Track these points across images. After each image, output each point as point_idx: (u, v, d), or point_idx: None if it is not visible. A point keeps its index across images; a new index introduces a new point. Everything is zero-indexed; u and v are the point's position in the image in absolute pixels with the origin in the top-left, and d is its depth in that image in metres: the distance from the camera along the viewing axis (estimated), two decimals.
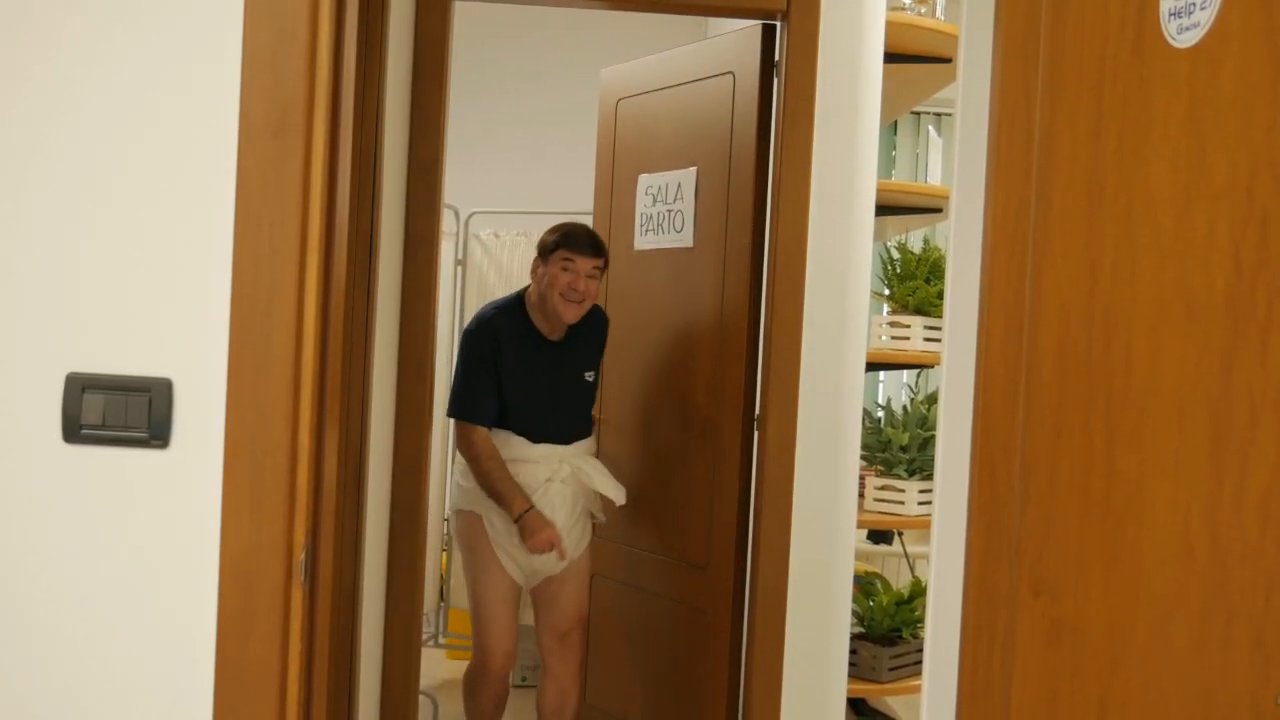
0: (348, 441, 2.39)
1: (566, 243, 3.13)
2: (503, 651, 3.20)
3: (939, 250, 3.48)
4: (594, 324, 3.34)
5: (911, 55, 3.26)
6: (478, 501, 3.17)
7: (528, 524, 3.08)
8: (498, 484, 3.11)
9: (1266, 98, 1.03)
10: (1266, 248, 1.02)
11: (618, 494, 3.25)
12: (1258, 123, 1.04)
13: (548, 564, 3.19)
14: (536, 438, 3.18)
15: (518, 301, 3.28)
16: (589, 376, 3.31)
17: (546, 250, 3.18)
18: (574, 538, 3.25)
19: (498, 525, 3.15)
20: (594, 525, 3.41)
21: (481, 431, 3.14)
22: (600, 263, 3.17)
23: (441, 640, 4.69)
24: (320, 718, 1.49)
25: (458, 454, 3.26)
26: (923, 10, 3.27)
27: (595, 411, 3.47)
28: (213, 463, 1.36)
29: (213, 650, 1.36)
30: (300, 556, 1.38)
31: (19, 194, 1.35)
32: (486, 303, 3.47)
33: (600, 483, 3.24)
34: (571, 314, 3.14)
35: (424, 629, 3.36)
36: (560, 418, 3.23)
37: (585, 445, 3.31)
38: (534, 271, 3.22)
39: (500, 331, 3.19)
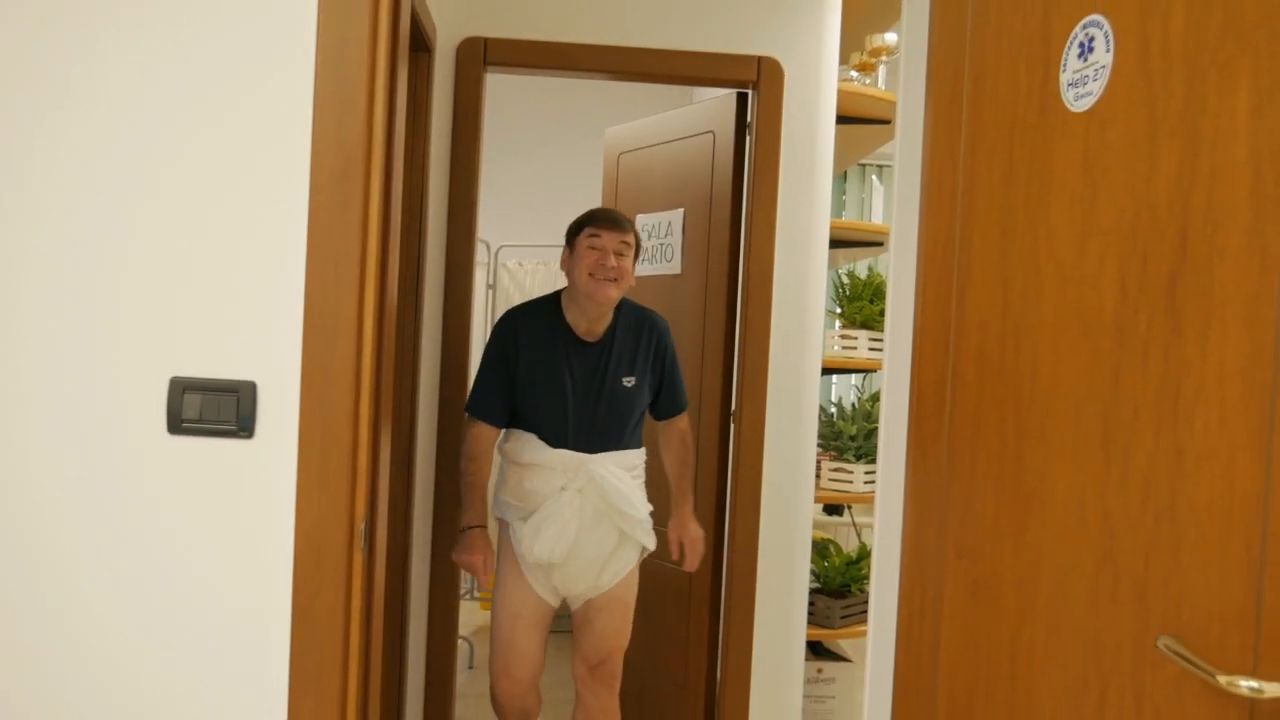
0: (399, 433, 2.39)
1: (590, 220, 2.42)
2: (510, 677, 2.41)
3: (881, 276, 3.48)
4: (643, 328, 2.52)
5: (858, 118, 3.26)
6: (506, 508, 2.48)
7: (462, 540, 2.39)
8: (464, 488, 2.42)
9: (1146, 153, 1.04)
10: (1147, 276, 1.03)
11: (632, 507, 2.40)
12: (1139, 173, 1.05)
13: (575, 583, 2.44)
14: (555, 442, 2.39)
15: (552, 299, 2.49)
16: (628, 382, 2.44)
17: (572, 234, 2.44)
18: (611, 565, 2.45)
19: (520, 534, 2.41)
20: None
21: (480, 428, 2.41)
22: (628, 237, 2.40)
23: (476, 594, 4.69)
24: (377, 656, 1.49)
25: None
26: (867, 81, 3.28)
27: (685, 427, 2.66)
28: (289, 450, 1.36)
29: (289, 602, 1.36)
30: (360, 526, 1.38)
31: (144, 242, 1.35)
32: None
33: (616, 496, 2.37)
34: (602, 293, 2.34)
35: (461, 585, 3.34)
36: (587, 424, 2.40)
37: (616, 457, 2.44)
38: (564, 264, 2.45)
39: (521, 328, 2.43)
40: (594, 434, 2.41)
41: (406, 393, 2.44)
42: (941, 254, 1.47)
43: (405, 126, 1.58)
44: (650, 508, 2.46)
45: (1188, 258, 0.97)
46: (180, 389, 1.35)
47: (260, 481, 1.36)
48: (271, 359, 1.36)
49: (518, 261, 4.88)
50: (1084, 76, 1.14)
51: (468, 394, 2.54)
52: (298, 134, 1.36)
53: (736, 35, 2.79)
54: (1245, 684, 0.83)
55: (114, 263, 1.35)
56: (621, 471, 2.43)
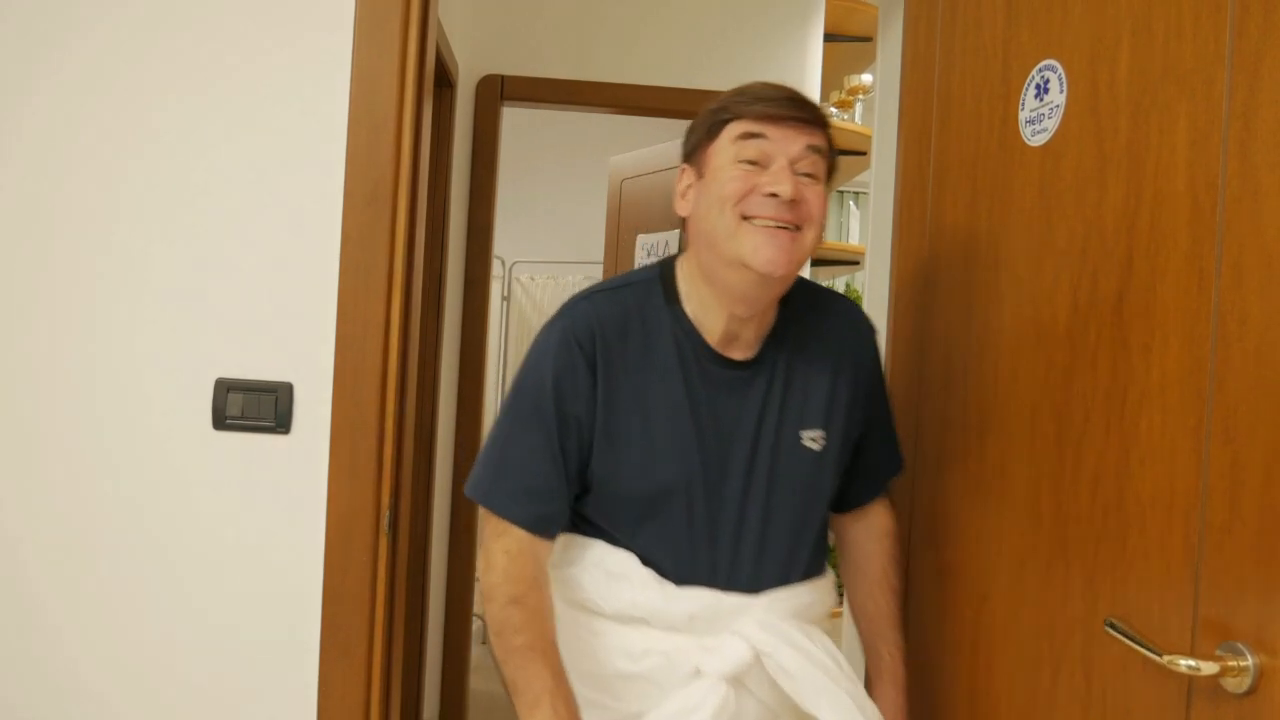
0: (421, 429, 2.39)
1: (745, 101, 1.05)
2: None
3: (858, 292, 3.49)
4: (839, 331, 1.18)
5: (837, 149, 3.26)
6: (581, 704, 1.06)
7: None
8: (513, 669, 1.02)
9: (1095, 183, 1.04)
10: (1095, 292, 1.03)
11: (842, 707, 1.03)
12: (1089, 201, 1.05)
13: None
14: (680, 574, 1.07)
15: (652, 278, 1.13)
16: (813, 441, 1.11)
17: (702, 135, 1.09)
18: None
19: None
20: None
21: (515, 541, 1.06)
22: (818, 138, 1.06)
23: None
24: (399, 631, 1.48)
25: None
26: (845, 117, 3.29)
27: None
28: (322, 444, 1.36)
29: (321, 582, 1.35)
30: (386, 514, 1.38)
31: (193, 258, 1.35)
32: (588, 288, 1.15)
33: (810, 689, 1.03)
34: (771, 256, 1.01)
35: (477, 567, 3.34)
36: (736, 531, 1.08)
37: (801, 599, 1.11)
38: (679, 203, 1.11)
39: (600, 338, 1.07)
40: (751, 552, 1.09)
41: (428, 394, 2.44)
42: (912, 271, 1.48)
43: (429, 154, 1.58)
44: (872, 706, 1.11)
45: (1133, 277, 0.97)
46: (224, 389, 1.35)
47: (295, 473, 1.36)
48: (307, 362, 1.36)
49: (530, 276, 4.91)
50: (1040, 115, 1.15)
51: (476, 465, 1.14)
52: (333, 161, 1.36)
53: (728, 74, 2.80)
54: (1184, 663, 0.83)
55: (165, 276, 1.35)
56: (812, 631, 1.10)
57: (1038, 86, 1.16)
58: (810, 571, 1.14)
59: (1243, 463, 0.81)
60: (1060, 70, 1.11)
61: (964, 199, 1.32)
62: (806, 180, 1.05)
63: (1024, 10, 1.20)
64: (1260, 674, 0.79)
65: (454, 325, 2.72)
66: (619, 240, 3.58)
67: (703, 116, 1.09)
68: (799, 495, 1.11)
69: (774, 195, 1.02)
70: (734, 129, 1.05)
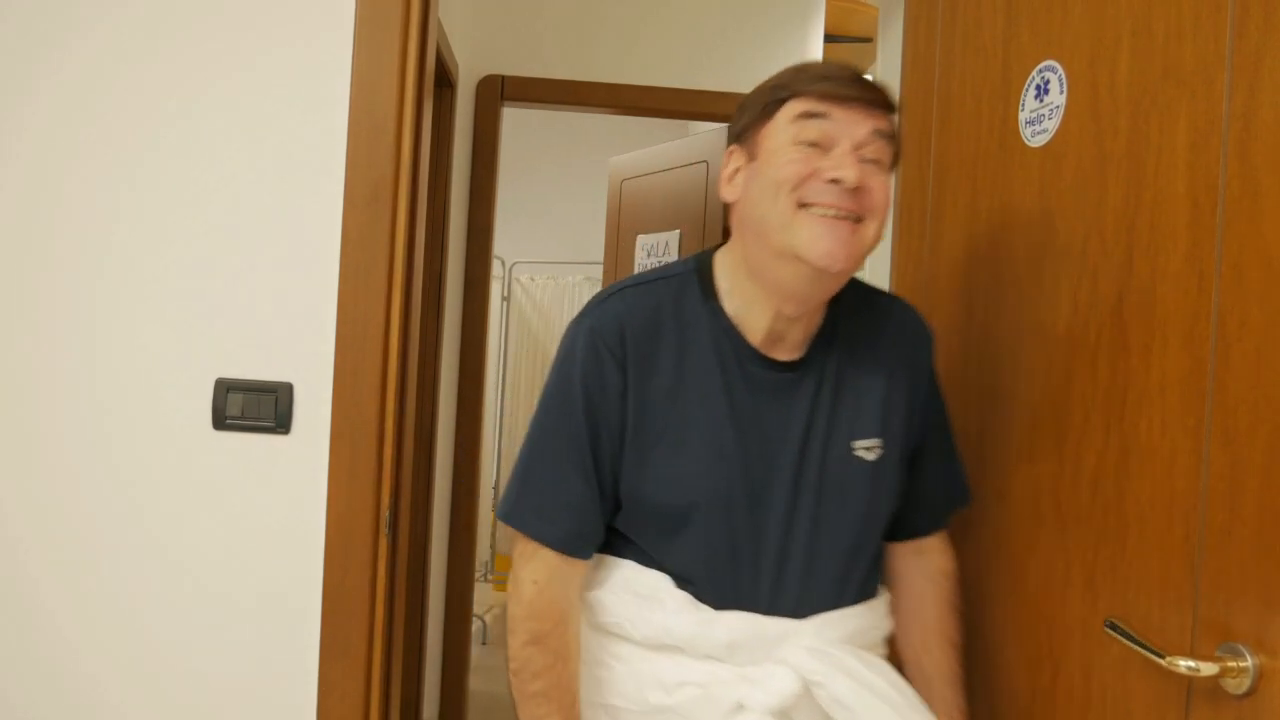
0: (421, 430, 2.39)
1: (806, 79, 0.95)
2: None
3: None
4: (893, 334, 1.06)
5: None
6: None
7: None
8: (527, 717, 0.98)
9: (1095, 184, 1.04)
10: (1096, 293, 1.03)
11: None
12: (1089, 201, 1.05)
13: None
14: (719, 597, 0.97)
15: (687, 273, 1.05)
16: (866, 451, 1.01)
17: (757, 111, 0.98)
18: None
19: None
20: None
21: (543, 563, 0.99)
22: (887, 124, 0.96)
23: (490, 577, 4.68)
24: (399, 632, 1.48)
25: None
26: None
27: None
28: (322, 445, 1.36)
29: (320, 582, 1.35)
30: (385, 514, 1.38)
31: (194, 257, 1.35)
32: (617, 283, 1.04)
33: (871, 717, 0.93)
34: (825, 243, 0.92)
35: (477, 568, 3.34)
36: (780, 550, 0.98)
37: (853, 624, 1.00)
38: (724, 187, 1.02)
39: (630, 340, 0.98)
40: (797, 573, 0.99)
41: (428, 394, 2.44)
42: (912, 272, 1.48)
43: (430, 155, 1.58)
44: None
45: (1133, 278, 0.97)
46: (224, 389, 1.35)
47: (295, 473, 1.36)
48: (307, 362, 1.36)
49: (530, 276, 4.91)
50: (1040, 115, 1.15)
51: (507, 486, 1.05)
52: (333, 162, 1.36)
53: (728, 74, 2.80)
54: (1184, 664, 0.83)
55: (165, 276, 1.35)
56: (869, 658, 1.00)
57: (1038, 87, 1.16)
58: (864, 594, 1.03)
59: (1242, 464, 0.81)
60: (1060, 71, 1.11)
61: (964, 199, 1.32)
62: (871, 167, 0.95)
63: (1024, 11, 1.20)
64: (1260, 675, 0.79)
65: (454, 325, 2.72)
66: (619, 241, 3.58)
67: (757, 93, 0.99)
68: (852, 510, 1.00)
69: (836, 181, 0.92)
70: (793, 108, 0.95)
